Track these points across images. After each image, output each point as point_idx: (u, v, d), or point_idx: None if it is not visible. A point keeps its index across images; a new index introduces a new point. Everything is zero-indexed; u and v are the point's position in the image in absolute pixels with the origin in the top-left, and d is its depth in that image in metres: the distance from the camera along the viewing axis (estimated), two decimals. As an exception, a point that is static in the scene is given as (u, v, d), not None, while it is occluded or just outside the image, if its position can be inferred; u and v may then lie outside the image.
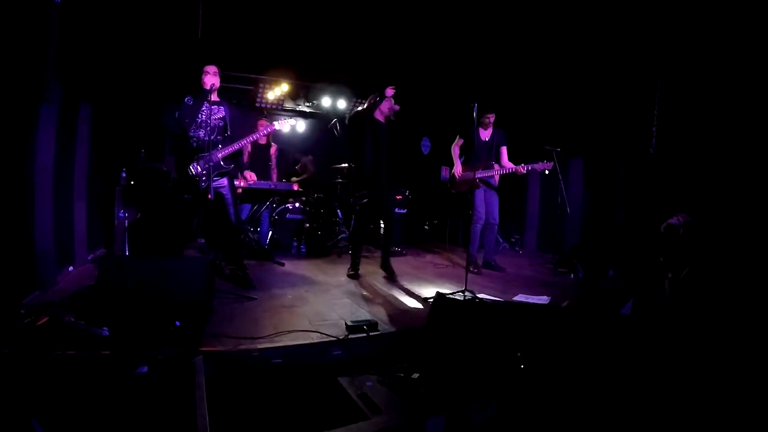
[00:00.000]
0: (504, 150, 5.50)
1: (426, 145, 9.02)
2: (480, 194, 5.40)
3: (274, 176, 6.19)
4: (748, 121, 4.44)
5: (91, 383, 2.07)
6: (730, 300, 3.43)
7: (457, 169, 5.48)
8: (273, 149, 6.38)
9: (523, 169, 5.24)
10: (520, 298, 4.18)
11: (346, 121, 4.87)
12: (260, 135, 4.36)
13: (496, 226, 5.56)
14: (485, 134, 5.47)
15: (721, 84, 4.70)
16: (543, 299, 4.07)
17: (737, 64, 4.56)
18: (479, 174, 5.29)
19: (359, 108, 4.77)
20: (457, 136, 5.55)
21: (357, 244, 5.06)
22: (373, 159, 4.70)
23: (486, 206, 5.44)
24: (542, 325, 2.79)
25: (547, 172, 5.35)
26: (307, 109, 8.30)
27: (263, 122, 5.93)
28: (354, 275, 4.87)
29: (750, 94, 4.44)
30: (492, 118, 5.40)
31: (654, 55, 5.36)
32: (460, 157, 5.54)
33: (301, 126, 8.53)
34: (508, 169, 5.32)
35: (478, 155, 5.34)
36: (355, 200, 4.90)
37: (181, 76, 5.54)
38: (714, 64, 4.77)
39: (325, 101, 8.11)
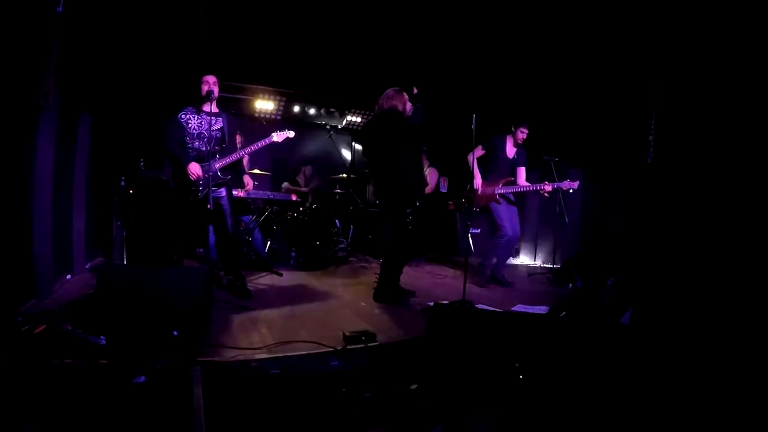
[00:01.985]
0: (522, 171, 5.29)
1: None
2: (503, 208, 5.16)
3: (250, 186, 6.08)
4: (746, 125, 4.47)
5: (88, 392, 2.06)
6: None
7: (477, 181, 5.16)
8: (245, 160, 6.37)
9: (548, 187, 5.04)
10: (518, 308, 4.17)
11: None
12: (257, 148, 4.22)
13: (517, 239, 5.36)
14: (511, 151, 5.28)
15: (718, 90, 4.73)
16: (541, 309, 4.06)
17: (733, 69, 4.60)
18: (501, 190, 5.14)
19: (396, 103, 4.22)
20: (479, 146, 5.14)
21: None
22: (414, 163, 4.35)
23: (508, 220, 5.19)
24: (541, 335, 2.79)
25: (571, 191, 5.15)
26: (306, 120, 8.32)
27: (238, 137, 5.78)
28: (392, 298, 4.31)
29: (747, 99, 4.48)
30: (526, 134, 5.17)
31: (650, 63, 5.40)
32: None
33: (299, 136, 8.55)
34: (532, 187, 5.13)
35: (500, 171, 5.20)
36: (399, 210, 4.27)
37: (181, 85, 5.56)
38: (710, 70, 4.81)
39: (323, 111, 8.14)
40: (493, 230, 5.32)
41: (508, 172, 5.26)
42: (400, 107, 4.26)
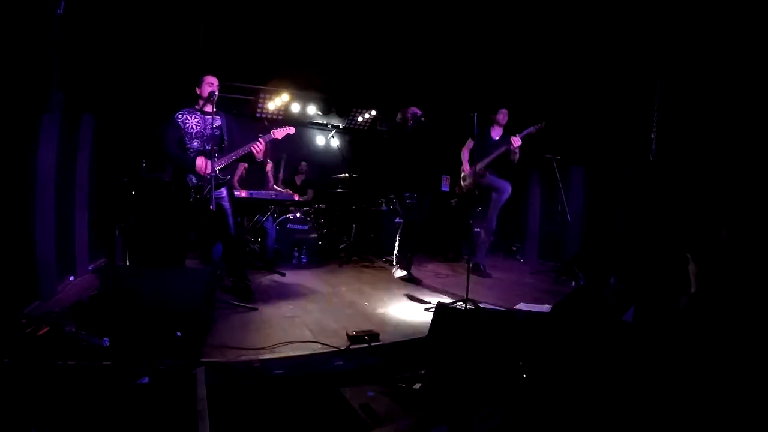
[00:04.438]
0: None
1: None
2: (492, 201, 5.49)
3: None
4: (750, 119, 4.45)
5: (92, 394, 2.06)
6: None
7: (465, 167, 5.56)
8: (269, 166, 6.35)
9: (516, 140, 5.23)
10: (521, 306, 4.17)
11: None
12: (253, 147, 4.07)
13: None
14: (497, 133, 5.55)
15: (720, 86, 4.72)
16: (544, 308, 4.05)
17: (735, 65, 4.58)
18: (482, 163, 5.36)
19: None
20: (469, 139, 5.55)
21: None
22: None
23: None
24: (544, 333, 2.78)
25: (537, 129, 5.36)
26: (308, 120, 8.32)
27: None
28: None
29: (750, 93, 4.46)
30: (505, 114, 5.50)
31: (652, 59, 5.37)
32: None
33: (300, 135, 8.56)
34: (504, 148, 5.33)
35: (486, 153, 5.40)
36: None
37: (182, 86, 5.57)
38: (712, 66, 4.79)
39: (324, 111, 8.13)
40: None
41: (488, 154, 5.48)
42: (406, 116, 5.05)
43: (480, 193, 5.66)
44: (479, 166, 5.33)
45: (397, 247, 5.15)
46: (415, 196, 5.04)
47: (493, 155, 5.40)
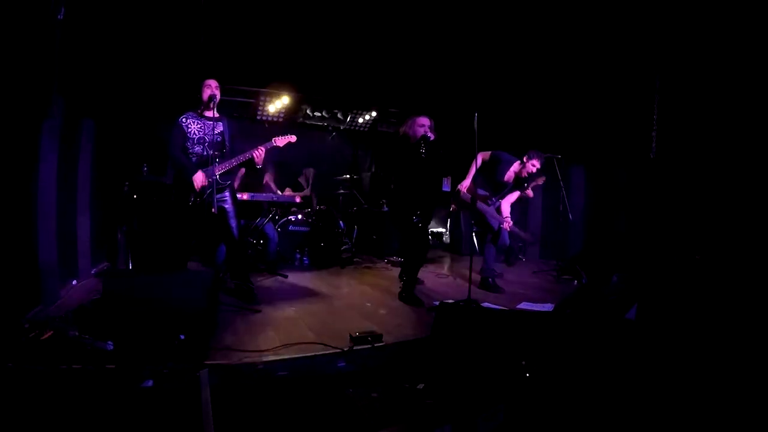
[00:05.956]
0: (515, 195, 5.31)
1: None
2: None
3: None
4: (751, 116, 4.45)
5: (96, 397, 2.06)
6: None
7: (465, 183, 5.06)
8: (267, 176, 6.32)
9: (530, 193, 5.19)
10: (523, 306, 4.17)
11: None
12: (254, 153, 4.09)
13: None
14: (510, 177, 5.14)
15: (721, 82, 4.71)
16: (547, 307, 4.06)
17: (736, 61, 4.58)
18: (479, 205, 4.97)
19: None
20: (490, 153, 5.10)
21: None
22: (413, 185, 4.56)
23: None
24: (547, 332, 2.78)
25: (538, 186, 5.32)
26: (308, 122, 8.33)
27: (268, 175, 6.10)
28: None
29: (751, 90, 4.45)
30: (537, 168, 5.03)
31: (651, 56, 5.37)
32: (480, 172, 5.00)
33: (301, 138, 8.56)
34: (499, 218, 5.05)
35: (488, 186, 5.11)
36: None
37: (183, 90, 5.58)
38: (712, 62, 4.78)
39: (325, 113, 8.14)
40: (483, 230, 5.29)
41: (494, 191, 5.17)
42: (409, 132, 4.45)
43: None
44: (478, 205, 4.96)
45: (407, 266, 4.53)
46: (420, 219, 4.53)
47: (489, 208, 5.04)
